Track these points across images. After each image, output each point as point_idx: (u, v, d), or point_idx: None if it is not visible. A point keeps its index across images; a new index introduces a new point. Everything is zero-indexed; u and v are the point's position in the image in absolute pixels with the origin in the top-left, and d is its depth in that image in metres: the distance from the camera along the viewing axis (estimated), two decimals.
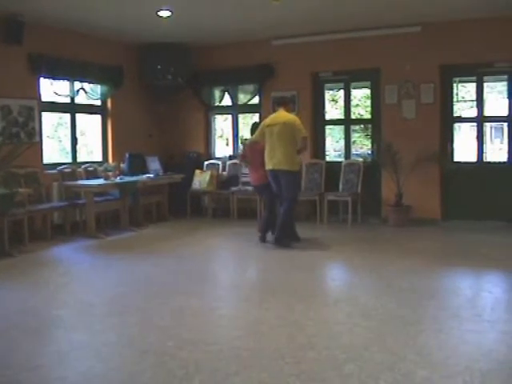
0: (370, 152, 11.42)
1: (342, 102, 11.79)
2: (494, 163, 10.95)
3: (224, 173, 11.74)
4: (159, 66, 11.30)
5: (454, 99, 10.37)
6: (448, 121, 10.23)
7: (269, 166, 8.41)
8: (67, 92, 10.38)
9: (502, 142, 14.35)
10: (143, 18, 9.33)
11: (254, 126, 9.00)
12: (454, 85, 10.33)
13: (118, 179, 9.97)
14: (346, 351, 4.34)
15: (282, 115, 8.46)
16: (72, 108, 10.67)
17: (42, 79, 9.79)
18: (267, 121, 8.59)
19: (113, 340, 4.80)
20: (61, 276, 7.11)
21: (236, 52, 11.49)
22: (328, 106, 12.35)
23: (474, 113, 10.51)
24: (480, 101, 10.16)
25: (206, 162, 11.95)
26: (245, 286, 6.58)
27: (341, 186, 10.63)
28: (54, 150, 11.16)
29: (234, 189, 11.20)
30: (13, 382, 3.93)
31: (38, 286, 6.54)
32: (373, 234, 9.59)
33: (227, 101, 11.96)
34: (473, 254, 7.79)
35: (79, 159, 10.68)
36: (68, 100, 10.56)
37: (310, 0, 8.54)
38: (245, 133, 12.79)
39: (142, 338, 4.80)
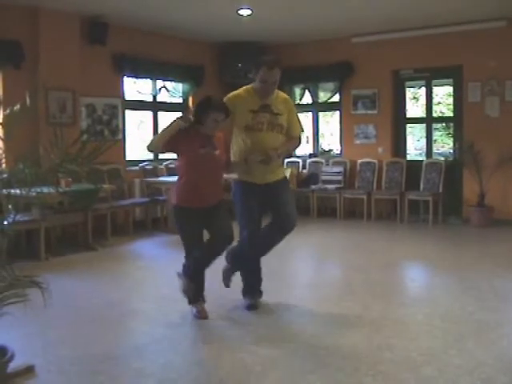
0: (451, 151, 11.19)
1: (423, 100, 11.58)
2: None
3: (304, 171, 11.72)
4: (239, 65, 11.38)
5: None
6: None
7: None
8: (150, 90, 10.62)
9: None
10: (224, 17, 9.41)
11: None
12: None
13: None
14: (424, 353, 4.27)
15: None
16: (154, 106, 10.91)
17: (125, 78, 10.07)
18: None
19: (192, 335, 4.89)
20: (142, 270, 7.28)
21: (316, 50, 11.44)
22: (409, 103, 12.15)
23: None
24: None
25: (285, 160, 11.89)
26: (322, 285, 6.56)
27: (422, 186, 10.46)
28: (136, 147, 11.40)
29: (313, 187, 11.18)
30: (94, 371, 4.06)
31: (119, 280, 6.72)
32: (454, 235, 9.40)
33: (308, 98, 11.93)
34: None
35: (161, 156, 10.86)
36: (150, 98, 10.79)
37: None
38: (325, 130, 12.74)
39: (219, 334, 4.86)
